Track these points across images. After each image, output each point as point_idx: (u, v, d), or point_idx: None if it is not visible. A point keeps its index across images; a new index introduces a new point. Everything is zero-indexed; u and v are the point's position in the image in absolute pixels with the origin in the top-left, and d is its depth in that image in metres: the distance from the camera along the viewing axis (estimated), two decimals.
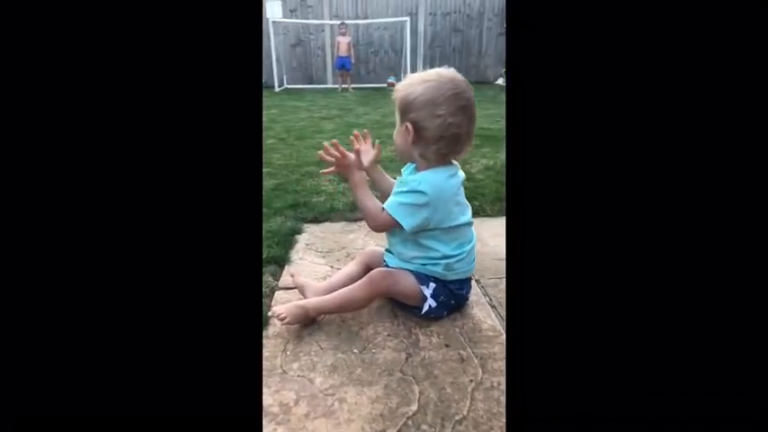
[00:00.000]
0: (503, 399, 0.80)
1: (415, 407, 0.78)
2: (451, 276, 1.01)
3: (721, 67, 0.46)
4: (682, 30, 0.46)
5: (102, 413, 0.46)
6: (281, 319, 0.96)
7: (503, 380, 0.85)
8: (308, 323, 1.01)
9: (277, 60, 8.19)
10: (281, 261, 1.35)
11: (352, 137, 1.07)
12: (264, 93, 7.47)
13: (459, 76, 0.93)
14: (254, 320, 0.52)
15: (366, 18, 8.61)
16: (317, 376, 0.86)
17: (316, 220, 1.72)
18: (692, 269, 0.46)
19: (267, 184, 2.17)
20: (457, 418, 0.76)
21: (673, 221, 0.47)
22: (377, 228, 1.01)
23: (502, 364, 0.89)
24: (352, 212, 1.76)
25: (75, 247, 0.46)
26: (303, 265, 1.34)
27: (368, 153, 1.05)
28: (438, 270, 1.01)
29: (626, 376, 0.47)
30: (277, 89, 8.00)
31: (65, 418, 0.46)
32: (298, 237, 1.56)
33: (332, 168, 1.03)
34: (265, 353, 0.93)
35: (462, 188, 1.02)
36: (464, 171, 1.03)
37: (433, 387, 0.83)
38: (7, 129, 0.44)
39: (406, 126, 0.94)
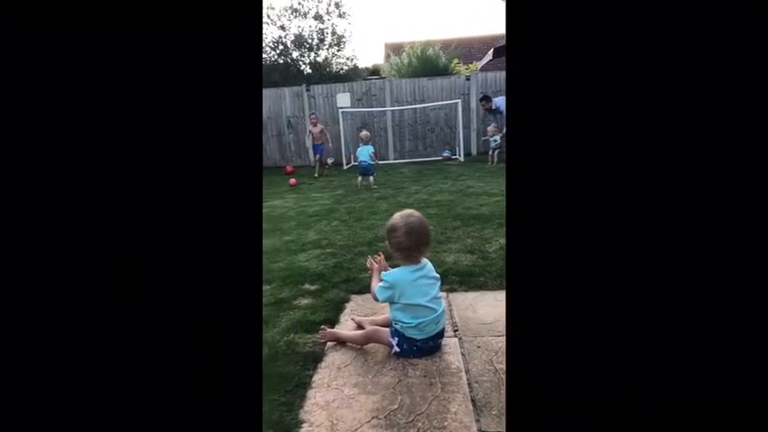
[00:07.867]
0: (450, 407, 1.39)
1: (396, 406, 1.41)
2: (409, 335, 1.67)
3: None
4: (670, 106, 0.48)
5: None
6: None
7: (453, 396, 1.44)
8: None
9: (345, 142, 9.47)
10: (333, 322, 2.06)
11: (370, 260, 1.90)
12: (335, 171, 8.68)
13: (414, 215, 1.71)
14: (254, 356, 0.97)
15: (423, 102, 9.74)
16: (346, 388, 1.52)
17: (360, 292, 2.42)
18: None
19: (329, 262, 2.95)
20: (418, 413, 1.37)
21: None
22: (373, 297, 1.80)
23: (456, 387, 1.48)
24: None
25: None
26: (346, 325, 2.03)
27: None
28: (398, 329, 1.71)
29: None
30: (345, 167, 9.18)
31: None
32: (346, 304, 2.27)
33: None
34: (319, 376, 1.61)
35: (426, 279, 1.71)
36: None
37: (409, 397, 1.45)
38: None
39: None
